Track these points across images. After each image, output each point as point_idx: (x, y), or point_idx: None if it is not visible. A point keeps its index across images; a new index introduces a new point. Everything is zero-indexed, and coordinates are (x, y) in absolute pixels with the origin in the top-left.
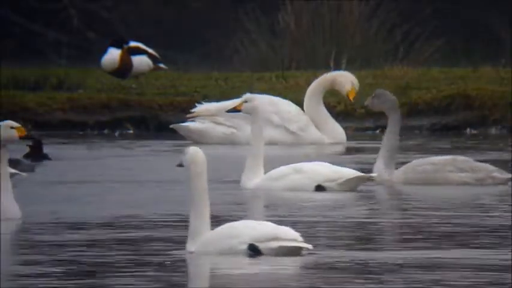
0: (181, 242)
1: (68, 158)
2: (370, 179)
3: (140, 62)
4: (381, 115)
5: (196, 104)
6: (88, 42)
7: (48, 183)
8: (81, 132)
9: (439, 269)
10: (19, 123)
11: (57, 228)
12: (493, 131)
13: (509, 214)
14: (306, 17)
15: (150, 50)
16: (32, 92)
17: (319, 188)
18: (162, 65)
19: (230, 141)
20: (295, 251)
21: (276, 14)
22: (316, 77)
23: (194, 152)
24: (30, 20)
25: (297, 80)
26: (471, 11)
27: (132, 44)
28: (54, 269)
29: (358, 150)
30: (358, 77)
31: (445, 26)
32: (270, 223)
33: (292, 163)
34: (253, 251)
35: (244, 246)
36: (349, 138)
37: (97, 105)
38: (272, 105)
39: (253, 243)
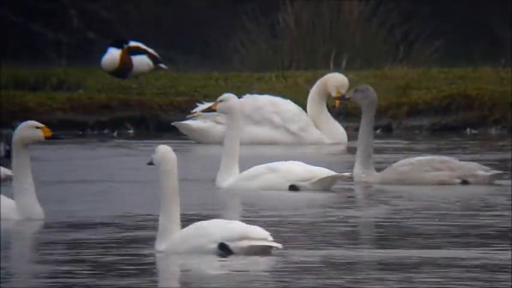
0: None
1: (67, 158)
2: (344, 179)
3: (140, 62)
4: (381, 115)
5: (197, 104)
6: (88, 42)
7: (47, 183)
8: (81, 132)
9: (415, 268)
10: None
11: (66, 227)
12: (493, 131)
13: (489, 213)
14: (306, 17)
15: (150, 50)
16: (32, 92)
17: (293, 188)
18: (162, 65)
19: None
20: (265, 250)
21: (276, 14)
22: (316, 77)
23: (164, 150)
24: (30, 20)
25: (297, 80)
26: (471, 11)
27: (132, 44)
28: (77, 268)
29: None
30: (358, 77)
31: (445, 26)
32: (240, 222)
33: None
34: (224, 250)
35: (215, 246)
36: (349, 138)
37: (97, 105)
38: (273, 105)
39: (224, 242)
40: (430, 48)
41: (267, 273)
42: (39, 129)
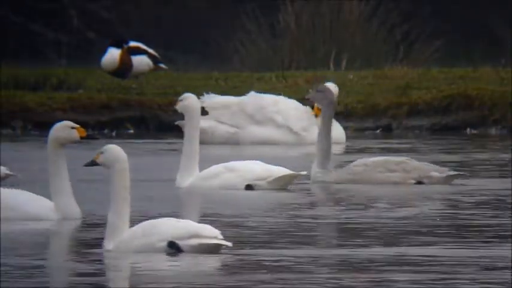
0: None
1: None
2: (301, 178)
3: (140, 62)
4: (381, 115)
5: (204, 94)
6: (88, 42)
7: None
8: None
9: (374, 266)
10: (19, 123)
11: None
12: (493, 131)
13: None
14: (306, 17)
15: (150, 50)
16: (32, 92)
17: (249, 187)
18: (162, 65)
19: (233, 141)
20: (215, 249)
21: (276, 14)
22: (316, 77)
23: (116, 150)
24: (30, 20)
25: (297, 80)
26: (471, 11)
27: (132, 44)
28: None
29: (358, 151)
30: (358, 77)
31: (445, 26)
32: (190, 221)
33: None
34: (173, 248)
35: (164, 244)
36: (349, 138)
37: (97, 105)
38: (275, 105)
39: (173, 240)
40: (430, 48)
41: (216, 272)
42: (74, 130)
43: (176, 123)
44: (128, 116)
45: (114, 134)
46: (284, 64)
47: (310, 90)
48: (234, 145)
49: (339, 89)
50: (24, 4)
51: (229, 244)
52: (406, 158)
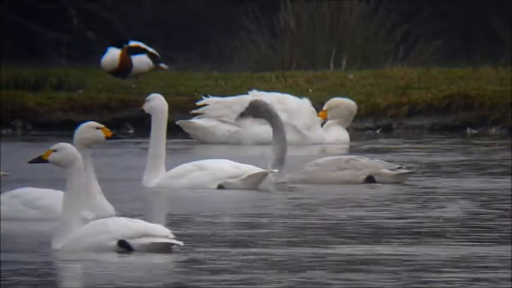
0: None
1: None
2: (271, 176)
3: (140, 61)
4: (381, 115)
5: (203, 97)
6: (88, 42)
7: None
8: None
9: (327, 265)
10: (19, 123)
11: None
12: (493, 131)
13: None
14: (306, 17)
15: (150, 50)
16: (32, 92)
17: (221, 187)
18: (162, 65)
19: (235, 140)
20: (166, 248)
21: (276, 14)
22: (316, 77)
23: (72, 149)
24: (30, 20)
25: (297, 80)
26: (471, 11)
27: (132, 43)
28: None
29: (357, 151)
30: (358, 77)
31: (445, 26)
32: (141, 220)
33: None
34: (124, 247)
35: (114, 243)
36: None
37: (97, 105)
38: (280, 103)
39: (123, 239)
40: (430, 48)
41: (166, 271)
42: (99, 130)
43: (177, 122)
44: (128, 116)
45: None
46: (284, 64)
47: (239, 112)
48: (235, 145)
49: (339, 89)
50: (24, 4)
51: (180, 243)
52: (357, 155)
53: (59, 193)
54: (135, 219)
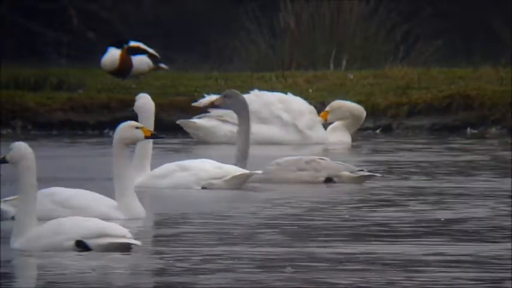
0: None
1: (68, 157)
2: (254, 176)
3: (140, 61)
4: (381, 115)
5: (205, 95)
6: (88, 42)
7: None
8: (81, 132)
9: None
10: (19, 123)
11: None
12: (493, 131)
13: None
14: (306, 17)
15: (150, 50)
16: (32, 92)
17: (204, 188)
18: (162, 65)
19: (236, 140)
20: (124, 248)
21: (276, 14)
22: (316, 77)
23: (22, 147)
24: (30, 20)
25: (297, 80)
26: (471, 11)
27: (132, 43)
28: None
29: (359, 150)
30: (358, 77)
31: (445, 26)
32: (98, 220)
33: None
34: (81, 247)
35: (72, 243)
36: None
37: (97, 105)
38: (282, 103)
39: (81, 239)
40: (430, 48)
41: (123, 271)
42: (139, 130)
43: (178, 122)
44: (128, 116)
45: (110, 134)
46: (284, 64)
47: (218, 99)
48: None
49: (339, 89)
50: (24, 4)
51: (138, 243)
52: (318, 157)
53: (91, 193)
54: (92, 219)
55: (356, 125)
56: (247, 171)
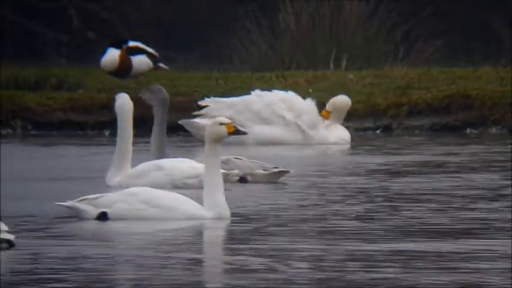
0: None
1: (68, 157)
2: (233, 175)
3: (140, 62)
4: (381, 115)
5: (205, 98)
6: (88, 42)
7: (43, 180)
8: (81, 132)
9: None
10: (19, 123)
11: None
12: (493, 131)
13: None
14: (306, 17)
15: (149, 50)
16: (32, 92)
17: (179, 187)
18: (162, 65)
19: (237, 141)
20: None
21: (276, 14)
22: (316, 77)
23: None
24: (30, 20)
25: (297, 80)
26: (471, 11)
27: (132, 43)
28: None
29: (358, 151)
30: (358, 77)
31: (445, 26)
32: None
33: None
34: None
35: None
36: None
37: (97, 105)
38: (284, 101)
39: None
40: (430, 48)
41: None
42: (223, 126)
43: (180, 122)
44: None
45: (107, 134)
46: (284, 64)
47: (143, 91)
48: (237, 145)
49: (339, 89)
50: (24, 4)
51: (12, 237)
52: (234, 156)
53: (171, 193)
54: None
55: (342, 115)
56: (223, 171)
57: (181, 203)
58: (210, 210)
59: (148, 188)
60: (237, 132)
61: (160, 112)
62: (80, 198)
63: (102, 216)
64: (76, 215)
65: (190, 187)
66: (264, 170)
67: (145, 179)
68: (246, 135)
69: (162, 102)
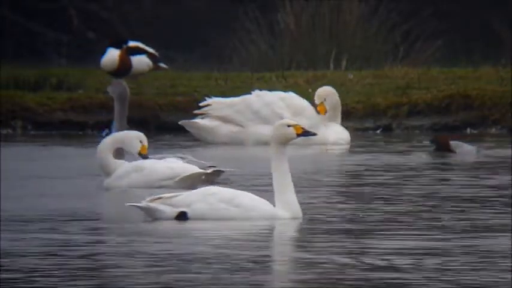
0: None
1: (68, 157)
2: (209, 175)
3: (139, 62)
4: (381, 115)
5: (205, 98)
6: (88, 42)
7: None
8: (81, 132)
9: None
10: (19, 123)
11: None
12: (493, 131)
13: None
14: (306, 17)
15: (149, 50)
16: (32, 92)
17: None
18: (162, 65)
19: (238, 140)
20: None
21: (276, 14)
22: (316, 76)
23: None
24: (30, 20)
25: (297, 80)
26: (471, 11)
27: (132, 43)
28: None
29: (358, 151)
30: (358, 77)
31: (445, 26)
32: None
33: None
34: None
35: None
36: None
37: (97, 105)
38: (283, 100)
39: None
40: (430, 48)
41: None
42: (291, 128)
43: (180, 122)
44: (128, 116)
45: (104, 134)
46: (284, 64)
47: (109, 87)
48: (238, 145)
49: (339, 89)
50: (24, 4)
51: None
52: (179, 155)
53: (244, 192)
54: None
55: (338, 110)
56: (199, 171)
57: (260, 203)
58: (286, 211)
59: (220, 187)
60: (306, 133)
61: (119, 106)
62: (151, 198)
63: (182, 216)
64: (150, 215)
65: (169, 188)
66: (201, 168)
67: (127, 180)
68: (315, 135)
69: (120, 96)
